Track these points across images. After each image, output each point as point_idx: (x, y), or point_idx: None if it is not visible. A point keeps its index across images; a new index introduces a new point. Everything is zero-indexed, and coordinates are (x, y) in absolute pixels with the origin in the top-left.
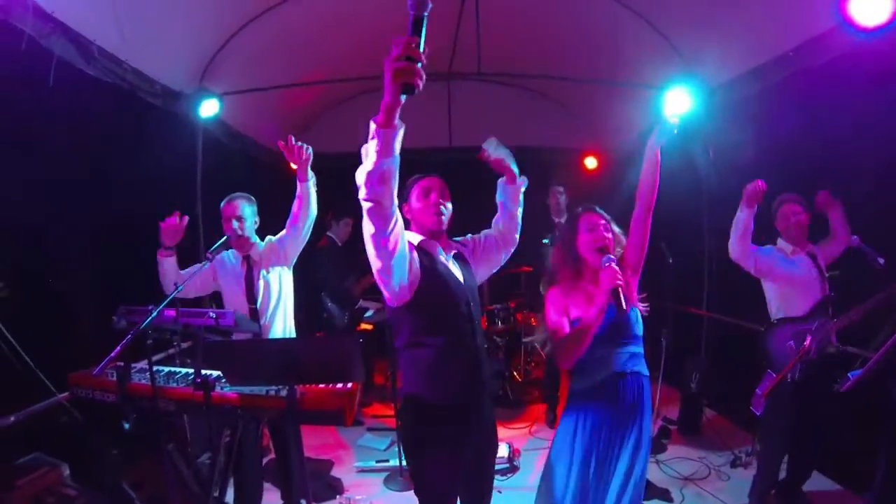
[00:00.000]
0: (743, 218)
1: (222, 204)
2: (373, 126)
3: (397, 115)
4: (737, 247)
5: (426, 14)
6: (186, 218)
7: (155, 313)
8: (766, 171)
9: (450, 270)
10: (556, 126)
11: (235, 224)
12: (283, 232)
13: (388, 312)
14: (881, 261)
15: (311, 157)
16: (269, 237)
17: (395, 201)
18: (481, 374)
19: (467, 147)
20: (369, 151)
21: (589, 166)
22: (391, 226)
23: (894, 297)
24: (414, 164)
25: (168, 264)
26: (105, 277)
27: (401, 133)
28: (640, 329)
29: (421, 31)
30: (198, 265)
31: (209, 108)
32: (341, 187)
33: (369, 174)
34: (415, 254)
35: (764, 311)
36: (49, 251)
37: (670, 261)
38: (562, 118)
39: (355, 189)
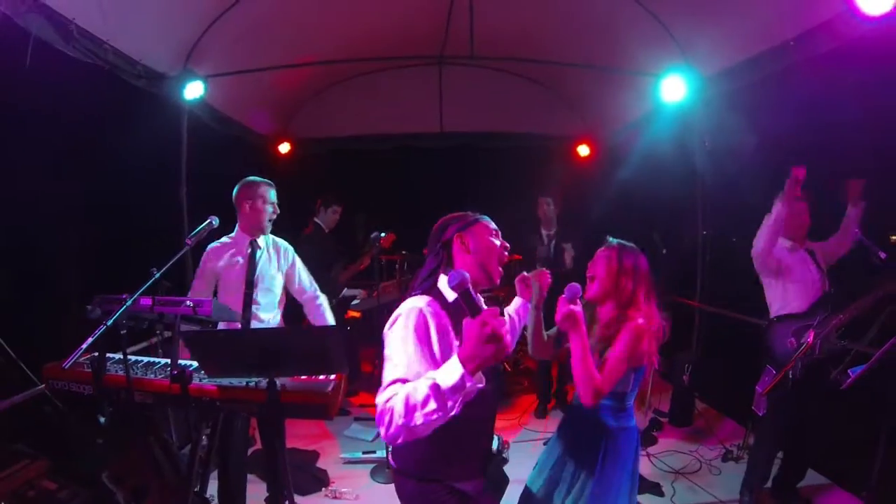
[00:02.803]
0: (782, 212)
1: (258, 180)
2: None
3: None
4: (766, 244)
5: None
6: None
7: (130, 302)
8: (764, 162)
9: None
10: (549, 113)
11: (270, 209)
12: (298, 280)
13: None
14: (882, 255)
15: None
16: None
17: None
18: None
19: (458, 133)
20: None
21: (581, 154)
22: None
23: (892, 295)
24: (404, 148)
25: None
26: (91, 265)
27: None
28: None
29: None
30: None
31: (194, 91)
32: (331, 172)
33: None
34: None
35: (756, 304)
36: (31, 239)
37: (664, 251)
38: (555, 105)
39: (344, 175)
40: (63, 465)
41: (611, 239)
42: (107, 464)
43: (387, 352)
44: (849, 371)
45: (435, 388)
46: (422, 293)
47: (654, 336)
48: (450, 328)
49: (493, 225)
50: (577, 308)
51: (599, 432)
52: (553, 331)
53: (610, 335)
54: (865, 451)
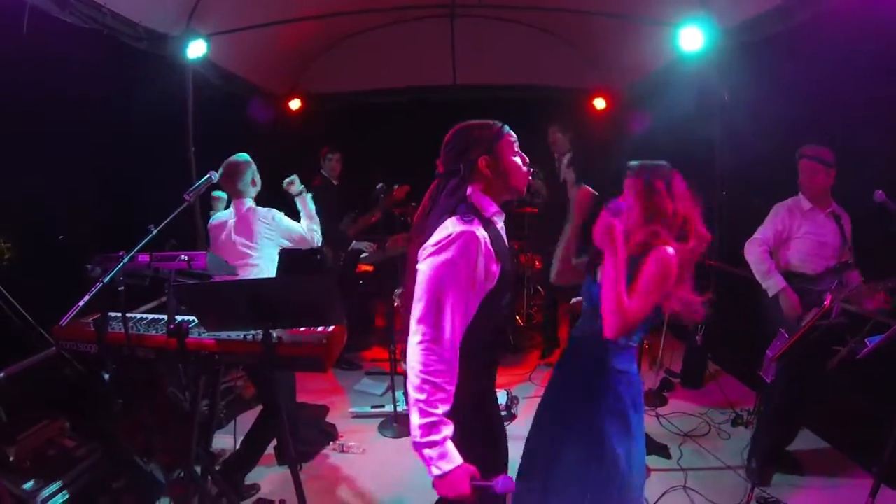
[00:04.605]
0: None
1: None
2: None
3: None
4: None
5: None
6: None
7: (126, 260)
8: (790, 118)
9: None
10: (564, 65)
11: None
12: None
13: None
14: None
15: None
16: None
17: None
18: None
19: (472, 85)
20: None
21: (598, 107)
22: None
23: None
24: (417, 102)
25: None
26: (103, 227)
27: None
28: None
29: None
30: None
31: (196, 50)
32: (344, 127)
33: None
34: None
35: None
36: (44, 206)
37: None
38: (570, 56)
39: (358, 129)
40: (80, 424)
41: (632, 163)
42: (119, 421)
43: (426, 287)
44: (866, 340)
45: (440, 428)
46: (459, 216)
47: (687, 269)
48: (493, 253)
49: (513, 136)
50: (618, 223)
51: (596, 369)
52: (582, 259)
53: (637, 256)
54: (878, 424)
